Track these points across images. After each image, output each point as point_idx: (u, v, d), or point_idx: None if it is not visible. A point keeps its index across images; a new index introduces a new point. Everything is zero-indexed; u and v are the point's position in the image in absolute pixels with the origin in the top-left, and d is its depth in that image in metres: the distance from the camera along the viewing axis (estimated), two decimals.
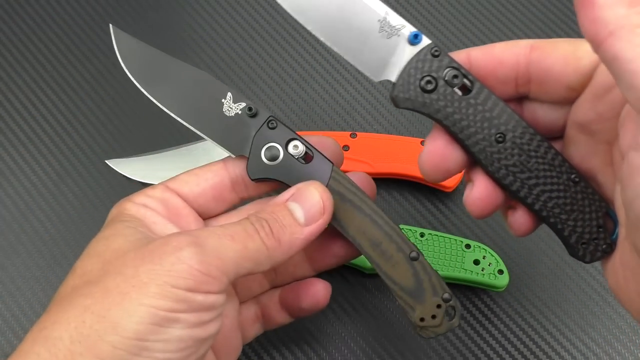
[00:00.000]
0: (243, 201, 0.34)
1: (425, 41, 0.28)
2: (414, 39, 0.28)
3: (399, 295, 0.31)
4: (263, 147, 0.31)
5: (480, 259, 0.41)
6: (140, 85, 0.32)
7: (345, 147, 0.46)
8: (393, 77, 0.28)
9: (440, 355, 0.41)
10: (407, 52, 0.28)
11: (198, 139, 0.48)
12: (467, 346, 0.42)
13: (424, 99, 0.28)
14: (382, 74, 0.29)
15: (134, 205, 0.31)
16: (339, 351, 0.42)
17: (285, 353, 0.42)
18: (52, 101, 0.50)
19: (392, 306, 0.43)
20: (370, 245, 0.31)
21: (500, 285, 0.41)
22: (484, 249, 0.42)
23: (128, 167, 0.47)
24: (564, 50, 0.27)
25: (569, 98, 0.27)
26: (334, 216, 0.31)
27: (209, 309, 0.27)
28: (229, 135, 0.32)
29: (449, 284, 0.43)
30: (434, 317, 0.32)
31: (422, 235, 0.42)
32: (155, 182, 0.47)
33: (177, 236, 0.27)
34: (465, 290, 0.43)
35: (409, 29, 0.28)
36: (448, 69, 0.28)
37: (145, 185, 0.47)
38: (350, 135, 0.46)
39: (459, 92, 0.28)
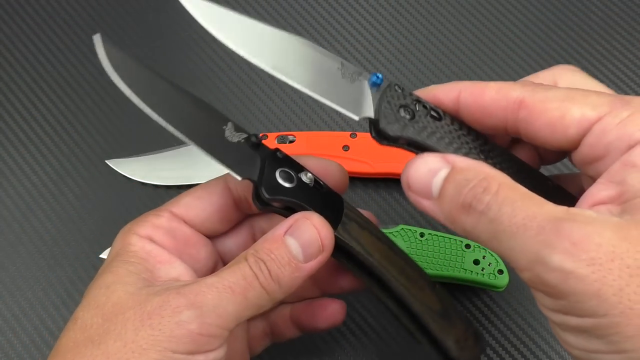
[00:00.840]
0: (248, 215, 0.34)
1: (386, 82, 0.29)
2: (375, 81, 0.29)
3: (432, 320, 0.29)
4: (276, 170, 0.29)
5: (480, 259, 0.41)
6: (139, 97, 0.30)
7: (345, 147, 0.46)
8: (371, 114, 0.29)
9: None
10: (374, 93, 0.29)
11: None
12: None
13: (410, 125, 0.28)
14: (360, 112, 0.29)
15: (139, 240, 0.30)
16: (340, 351, 0.42)
17: (285, 352, 0.42)
18: (52, 101, 0.50)
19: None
20: (397, 270, 0.30)
21: (500, 285, 0.41)
22: (483, 249, 0.42)
23: (128, 167, 0.47)
24: (552, 115, 0.26)
25: (562, 153, 0.27)
26: (358, 242, 0.30)
27: None
28: (235, 158, 0.29)
29: (449, 284, 0.43)
30: (466, 340, 0.30)
31: (422, 235, 0.42)
32: (156, 182, 0.47)
33: (175, 297, 0.27)
34: (465, 290, 0.43)
35: (366, 75, 0.29)
36: (416, 102, 0.28)
37: (145, 185, 0.47)
38: (350, 135, 0.46)
39: (432, 119, 0.28)
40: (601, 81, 0.51)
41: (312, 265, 0.29)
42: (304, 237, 0.28)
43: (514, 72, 0.50)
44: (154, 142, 0.48)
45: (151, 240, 0.30)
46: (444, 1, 0.54)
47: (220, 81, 0.51)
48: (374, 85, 0.29)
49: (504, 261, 0.41)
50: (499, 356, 0.41)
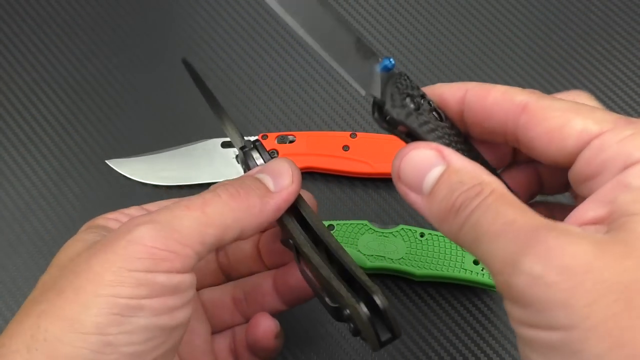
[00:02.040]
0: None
1: (397, 70, 0.29)
2: (387, 65, 0.29)
3: (362, 273, 0.29)
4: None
5: None
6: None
7: (345, 147, 0.46)
8: (378, 94, 0.28)
9: (440, 355, 0.41)
10: (383, 76, 0.29)
11: (198, 139, 0.48)
12: (467, 346, 0.42)
13: (414, 115, 0.28)
14: (368, 88, 0.28)
15: (104, 220, 0.30)
16: (340, 351, 0.42)
17: (285, 353, 0.42)
18: (52, 101, 0.50)
19: (392, 306, 0.43)
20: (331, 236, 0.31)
21: None
22: None
23: (128, 167, 0.47)
24: (553, 123, 0.24)
25: (560, 165, 0.26)
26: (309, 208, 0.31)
27: (174, 292, 0.25)
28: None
29: (449, 284, 0.43)
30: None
31: (422, 235, 0.42)
32: (156, 182, 0.47)
33: (128, 222, 0.26)
34: (465, 290, 0.43)
35: (378, 57, 0.29)
36: (422, 97, 0.28)
37: (145, 185, 0.47)
38: (350, 135, 0.46)
39: (434, 117, 0.28)
40: (601, 81, 0.51)
41: (283, 195, 0.29)
42: (275, 169, 0.29)
43: (514, 72, 0.50)
44: (154, 142, 0.48)
45: (117, 220, 0.29)
46: (444, 1, 0.54)
47: (220, 81, 0.51)
48: (385, 68, 0.28)
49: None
50: (499, 356, 0.41)
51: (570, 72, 0.50)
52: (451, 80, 0.50)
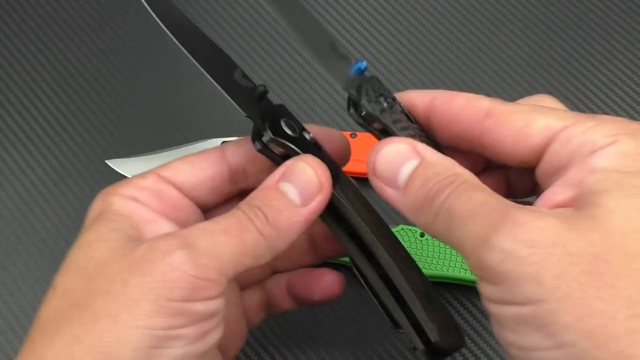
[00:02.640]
0: (241, 192, 0.31)
1: (369, 73, 0.30)
2: (360, 67, 0.29)
3: (417, 299, 0.27)
4: (282, 118, 0.28)
5: None
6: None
7: None
8: (353, 90, 0.29)
9: None
10: (357, 77, 0.30)
11: (198, 139, 0.48)
12: (467, 346, 0.42)
13: (388, 112, 0.29)
14: (344, 84, 0.29)
15: (122, 200, 0.27)
16: (340, 352, 0.42)
17: (285, 353, 0.42)
18: (52, 101, 0.50)
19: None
20: (387, 242, 0.28)
21: None
22: None
23: (128, 167, 0.47)
24: (517, 124, 0.25)
25: (527, 165, 0.26)
26: (353, 205, 0.29)
27: (210, 317, 0.25)
28: (242, 98, 0.29)
29: (449, 284, 0.43)
30: (449, 326, 0.28)
31: (422, 235, 0.42)
32: None
33: (165, 239, 0.24)
34: (465, 291, 0.43)
35: (351, 59, 0.30)
36: (393, 100, 0.29)
37: None
38: (350, 135, 0.46)
39: (405, 117, 0.29)
40: (601, 81, 0.51)
41: (312, 207, 0.27)
42: (300, 179, 0.27)
43: (514, 72, 0.50)
44: (154, 142, 0.48)
45: (135, 200, 0.27)
46: (444, 0, 0.54)
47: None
48: (358, 70, 0.29)
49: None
50: (499, 356, 0.41)
51: (570, 72, 0.50)
52: (448, 82, 0.50)
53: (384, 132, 0.29)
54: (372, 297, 0.29)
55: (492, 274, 0.22)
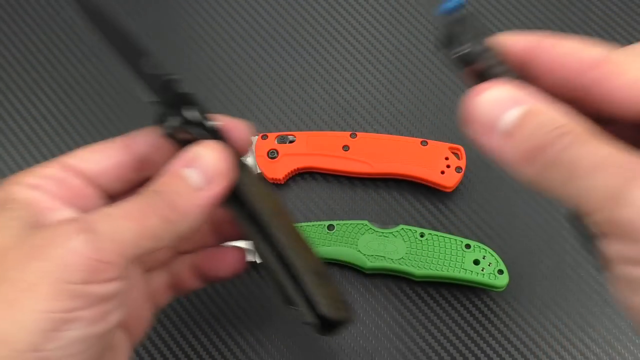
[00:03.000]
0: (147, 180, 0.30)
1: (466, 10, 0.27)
2: (459, 2, 0.26)
3: (308, 275, 0.29)
4: (186, 104, 0.29)
5: (480, 259, 0.41)
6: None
7: (345, 147, 0.46)
8: (450, 29, 0.26)
9: (440, 355, 0.41)
10: (454, 13, 0.26)
11: None
12: (467, 346, 0.42)
13: (488, 53, 0.26)
14: (441, 23, 0.26)
15: (23, 188, 0.27)
16: (340, 351, 0.42)
17: (284, 352, 0.42)
18: (52, 101, 0.50)
19: (392, 306, 0.43)
20: (283, 222, 0.29)
21: (500, 285, 0.41)
22: (484, 249, 0.42)
23: None
24: (635, 74, 0.23)
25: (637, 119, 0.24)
26: (252, 189, 0.29)
27: (108, 299, 0.25)
28: (148, 83, 0.30)
29: (449, 284, 0.43)
30: (339, 301, 0.29)
31: (422, 235, 0.42)
32: None
33: (64, 224, 0.24)
34: (465, 290, 0.43)
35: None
36: (491, 44, 0.26)
37: None
38: (350, 135, 0.46)
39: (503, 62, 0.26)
40: None
41: (214, 192, 0.27)
42: (203, 164, 0.27)
43: None
44: None
45: (37, 188, 0.27)
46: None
47: (220, 81, 0.51)
48: (456, 6, 0.26)
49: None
50: (499, 356, 0.41)
51: None
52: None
53: (480, 76, 0.26)
54: (268, 274, 0.30)
55: (628, 230, 0.20)
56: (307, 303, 0.29)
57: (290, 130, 0.49)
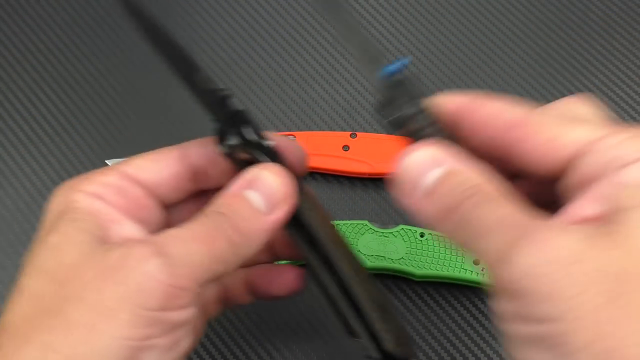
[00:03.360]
0: (201, 191, 0.31)
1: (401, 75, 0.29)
2: (392, 70, 0.28)
3: (373, 309, 0.28)
4: (245, 123, 0.29)
5: None
6: None
7: (345, 147, 0.46)
8: (386, 94, 0.28)
9: (440, 355, 0.41)
10: (389, 79, 0.28)
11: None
12: (467, 346, 0.42)
13: (420, 116, 0.28)
14: (378, 89, 0.28)
15: (86, 197, 0.26)
16: (339, 351, 0.42)
17: (284, 351, 0.42)
18: (52, 101, 0.50)
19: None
20: (344, 252, 0.29)
21: None
22: None
23: None
24: (546, 135, 0.24)
25: (553, 178, 0.25)
26: (313, 214, 0.29)
27: (182, 326, 0.25)
28: (207, 101, 0.30)
29: (449, 284, 0.43)
30: (402, 336, 0.29)
31: (422, 235, 0.42)
32: None
33: (138, 246, 0.24)
34: (465, 290, 0.43)
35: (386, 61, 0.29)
36: (424, 106, 0.28)
37: None
38: (350, 135, 0.46)
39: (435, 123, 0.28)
40: (601, 81, 0.51)
41: (278, 216, 0.27)
42: (266, 188, 0.27)
43: (513, 71, 0.50)
44: (154, 142, 0.48)
45: (100, 198, 0.26)
46: (444, 0, 0.54)
47: (220, 81, 0.51)
48: (390, 72, 0.28)
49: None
50: (498, 356, 0.41)
51: (570, 72, 0.50)
52: (446, 82, 0.50)
53: (414, 137, 0.28)
54: (327, 304, 0.30)
55: (511, 290, 0.21)
56: (371, 337, 0.28)
57: (290, 130, 0.49)
